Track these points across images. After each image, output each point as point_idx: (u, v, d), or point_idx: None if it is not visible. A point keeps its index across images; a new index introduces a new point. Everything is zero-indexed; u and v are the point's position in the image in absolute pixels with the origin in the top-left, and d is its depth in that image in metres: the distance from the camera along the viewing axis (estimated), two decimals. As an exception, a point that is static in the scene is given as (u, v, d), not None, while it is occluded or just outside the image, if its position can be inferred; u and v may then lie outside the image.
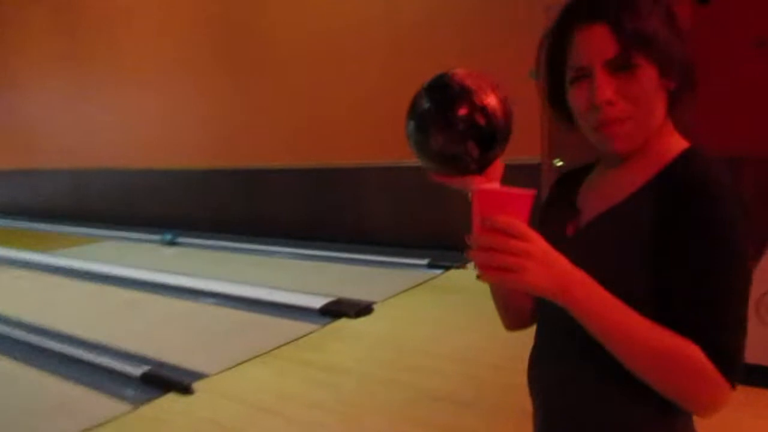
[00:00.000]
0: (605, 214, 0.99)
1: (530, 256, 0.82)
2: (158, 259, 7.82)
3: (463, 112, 1.07)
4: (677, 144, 0.98)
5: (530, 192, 0.85)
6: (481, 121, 1.08)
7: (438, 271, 6.03)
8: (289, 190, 8.54)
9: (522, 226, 0.83)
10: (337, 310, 4.93)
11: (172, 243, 8.69)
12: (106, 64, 10.74)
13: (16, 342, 4.79)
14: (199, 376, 3.85)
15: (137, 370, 3.90)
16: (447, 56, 6.76)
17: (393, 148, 7.62)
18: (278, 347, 4.30)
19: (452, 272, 5.97)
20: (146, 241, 9.14)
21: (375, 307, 5.02)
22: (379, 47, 7.34)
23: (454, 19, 6.78)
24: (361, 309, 4.93)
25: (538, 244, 0.83)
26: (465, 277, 5.73)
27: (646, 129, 0.95)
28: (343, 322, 4.77)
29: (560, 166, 6.00)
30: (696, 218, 0.85)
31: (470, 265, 6.15)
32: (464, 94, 1.08)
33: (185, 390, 3.62)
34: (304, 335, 4.52)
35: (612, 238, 0.96)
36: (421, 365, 3.87)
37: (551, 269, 0.83)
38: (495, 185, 0.95)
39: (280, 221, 8.57)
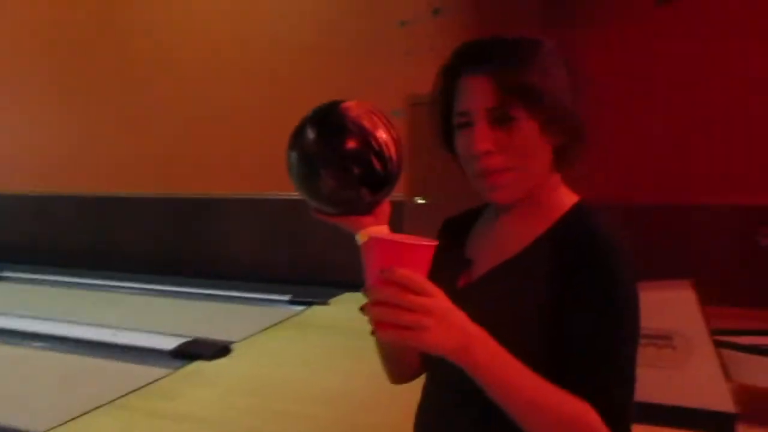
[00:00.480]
0: (500, 267, 0.96)
1: (430, 313, 0.75)
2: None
3: (359, 155, 0.98)
4: (568, 197, 0.98)
5: (431, 243, 0.78)
6: (378, 166, 1.00)
7: (300, 308, 5.85)
8: (140, 220, 7.93)
9: (422, 281, 0.76)
10: (191, 352, 4.56)
11: (-5, 278, 7.67)
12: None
13: None
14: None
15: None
16: (315, 86, 6.73)
17: (255, 179, 7.47)
18: (123, 396, 3.85)
19: (315, 309, 5.81)
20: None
21: (233, 347, 4.72)
22: (241, 75, 7.13)
23: (317, 66, 6.77)
24: (218, 350, 4.60)
25: (440, 301, 0.77)
26: (328, 314, 5.60)
27: (527, 182, 0.94)
28: (198, 365, 4.41)
29: (422, 204, 6.15)
30: (591, 274, 0.84)
31: (333, 301, 6.05)
32: (360, 134, 0.99)
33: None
34: (154, 381, 4.11)
35: (507, 292, 0.93)
36: (287, 410, 3.65)
37: (452, 329, 0.77)
38: (389, 233, 0.87)
39: (129, 254, 7.91)
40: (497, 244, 0.99)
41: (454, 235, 1.09)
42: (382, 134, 1.01)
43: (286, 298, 6.12)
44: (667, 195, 5.30)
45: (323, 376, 4.16)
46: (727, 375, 2.82)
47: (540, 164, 0.94)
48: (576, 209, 0.95)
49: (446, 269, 1.01)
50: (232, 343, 4.77)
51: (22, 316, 5.60)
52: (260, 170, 6.99)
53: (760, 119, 5.44)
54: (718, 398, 2.81)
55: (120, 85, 7.84)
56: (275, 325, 5.32)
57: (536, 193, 0.96)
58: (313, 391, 3.91)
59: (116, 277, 7.33)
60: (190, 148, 7.48)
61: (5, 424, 3.45)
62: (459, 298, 0.83)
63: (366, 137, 0.99)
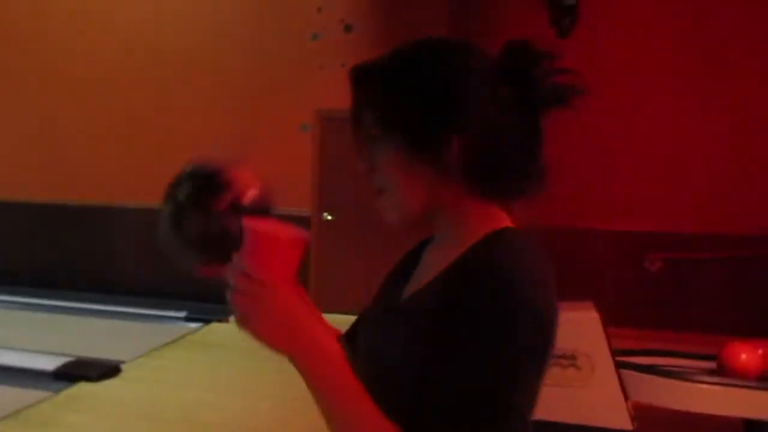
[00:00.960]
0: (412, 294, 0.90)
1: (256, 299, 0.72)
2: None
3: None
4: (489, 225, 0.87)
5: (302, 236, 0.76)
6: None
7: (197, 325, 5.56)
8: (14, 229, 7.25)
9: (258, 268, 0.73)
10: (75, 373, 4.19)
11: None
12: None
13: None
14: None
15: None
16: (218, 95, 6.50)
17: (149, 188, 7.03)
18: (-4, 423, 3.46)
19: (213, 326, 5.54)
20: None
21: (123, 367, 4.38)
22: (144, 75, 6.76)
23: (223, 65, 6.55)
24: (106, 370, 4.26)
25: (272, 291, 0.73)
26: (228, 332, 5.35)
27: (404, 206, 0.87)
28: (83, 387, 4.06)
29: (330, 220, 6.05)
30: (466, 309, 0.76)
31: (233, 318, 5.79)
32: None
33: None
34: (31, 405, 3.72)
35: (401, 323, 0.87)
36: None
37: (280, 328, 0.73)
38: (268, 225, 0.77)
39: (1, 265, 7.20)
40: (418, 272, 0.94)
41: (416, 254, 1.00)
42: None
43: (182, 314, 5.81)
44: (566, 219, 5.55)
45: (223, 399, 3.95)
46: (626, 394, 2.95)
47: (418, 188, 0.85)
48: (487, 238, 0.84)
49: (391, 287, 0.98)
50: (121, 363, 4.43)
51: None
52: (151, 180, 6.62)
53: (646, 151, 5.87)
54: (617, 417, 2.92)
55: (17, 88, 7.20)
56: (170, 343, 5.00)
57: (448, 219, 0.88)
58: (213, 415, 3.68)
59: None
60: (77, 156, 6.97)
61: None
62: (379, 318, 0.84)
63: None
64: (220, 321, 5.60)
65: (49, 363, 4.28)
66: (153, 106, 6.73)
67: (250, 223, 0.75)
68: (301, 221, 6.51)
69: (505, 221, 0.88)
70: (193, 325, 5.57)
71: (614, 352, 3.04)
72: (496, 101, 0.84)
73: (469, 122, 0.83)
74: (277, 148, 6.26)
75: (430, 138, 0.83)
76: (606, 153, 5.87)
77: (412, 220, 0.88)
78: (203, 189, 0.87)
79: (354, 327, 1.06)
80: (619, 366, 3.00)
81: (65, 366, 4.25)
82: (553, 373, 2.95)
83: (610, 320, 3.18)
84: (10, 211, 7.21)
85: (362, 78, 0.89)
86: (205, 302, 5.99)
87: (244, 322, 0.73)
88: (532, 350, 0.77)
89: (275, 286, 0.73)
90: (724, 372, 3.12)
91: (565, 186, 5.86)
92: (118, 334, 5.38)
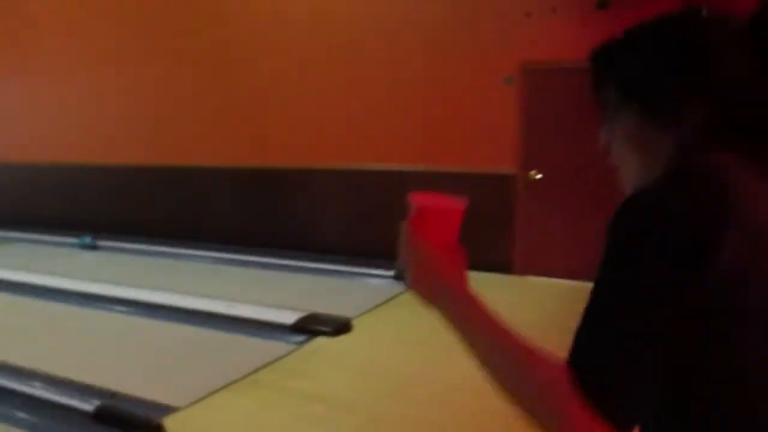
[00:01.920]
0: None
1: (411, 264, 0.88)
2: (78, 265, 6.88)
3: None
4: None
5: (460, 207, 0.88)
6: None
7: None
8: (228, 192, 7.82)
9: (412, 236, 0.88)
10: (311, 328, 4.38)
11: (90, 247, 7.73)
12: (14, 51, 9.51)
13: None
14: (166, 410, 3.19)
15: (87, 405, 3.19)
16: (414, 58, 6.40)
17: (351, 150, 7.23)
18: (254, 372, 3.70)
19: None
20: (59, 244, 8.09)
21: (354, 323, 4.51)
22: (342, 44, 6.85)
23: (425, 21, 6.39)
24: (340, 326, 4.41)
25: (419, 254, 0.87)
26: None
27: (632, 179, 0.90)
28: (321, 342, 4.23)
29: (538, 179, 5.76)
30: (605, 237, 0.75)
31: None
32: None
33: (155, 430, 2.97)
34: (281, 357, 3.95)
35: None
36: (427, 395, 3.42)
37: (423, 280, 0.87)
38: (428, 199, 0.91)
39: (216, 226, 7.83)
40: None
41: None
42: None
43: (390, 273, 5.89)
44: None
45: (454, 358, 3.89)
46: None
47: (636, 159, 0.89)
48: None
49: None
50: (350, 318, 4.57)
51: (128, 286, 5.54)
52: (353, 141, 6.75)
53: None
54: None
55: (208, 54, 7.69)
56: (389, 301, 5.09)
57: None
58: (446, 374, 3.61)
59: (208, 248, 7.26)
60: (286, 122, 7.29)
61: (145, 398, 3.33)
62: None
63: None
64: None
65: (286, 317, 4.50)
66: (353, 68, 6.81)
67: (412, 199, 0.89)
68: (504, 180, 6.37)
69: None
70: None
71: None
72: (737, 65, 0.81)
73: (709, 84, 0.81)
74: (479, 103, 6.06)
75: (670, 100, 0.83)
76: None
77: None
78: None
79: None
80: None
81: (302, 320, 4.45)
82: None
83: None
84: (224, 176, 7.78)
85: (602, 56, 0.93)
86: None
87: (407, 282, 0.88)
88: (640, 277, 0.71)
89: (425, 251, 0.86)
90: None
91: None
92: (337, 292, 5.56)
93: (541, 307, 4.95)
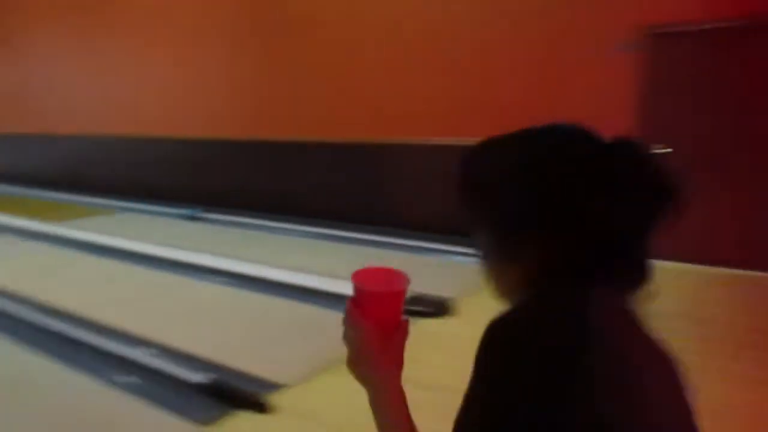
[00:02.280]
0: None
1: (349, 345, 0.93)
2: (184, 235, 7.11)
3: None
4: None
5: (400, 288, 0.90)
6: None
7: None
8: (325, 166, 7.81)
9: (352, 317, 0.91)
10: (412, 308, 4.24)
11: (194, 218, 7.98)
12: (123, 27, 9.91)
13: (38, 331, 4.07)
14: (274, 388, 3.17)
15: (194, 377, 3.22)
16: (517, 23, 6.05)
17: (450, 123, 6.99)
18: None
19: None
20: (164, 214, 8.42)
21: (453, 304, 4.34)
22: (434, 20, 6.59)
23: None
24: (441, 307, 4.26)
25: (356, 338, 0.91)
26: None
27: (496, 289, 0.92)
28: (424, 323, 4.10)
29: (666, 153, 5.30)
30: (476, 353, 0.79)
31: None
32: None
33: (262, 408, 2.95)
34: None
35: None
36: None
37: (357, 364, 0.93)
38: (371, 279, 0.90)
39: (312, 201, 7.86)
40: None
41: None
42: None
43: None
44: None
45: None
46: None
47: (498, 278, 0.93)
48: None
49: None
50: (452, 299, 4.40)
51: (233, 258, 5.64)
52: (452, 114, 6.51)
53: None
54: None
55: (305, 31, 7.64)
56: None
57: None
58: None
59: (305, 222, 7.30)
60: (377, 93, 7.14)
61: (253, 374, 3.32)
62: None
63: None
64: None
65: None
66: (447, 35, 6.55)
67: (354, 278, 0.90)
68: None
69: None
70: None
71: None
72: (589, 198, 0.80)
73: (560, 220, 0.81)
74: (591, 71, 5.64)
75: (517, 235, 0.85)
76: None
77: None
78: None
79: None
80: None
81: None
82: None
83: None
84: (321, 151, 7.77)
85: (470, 164, 0.92)
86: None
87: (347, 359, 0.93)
88: (515, 399, 0.72)
89: (361, 335, 0.91)
90: None
91: None
92: (432, 270, 5.40)
93: (670, 295, 4.59)
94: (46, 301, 4.53)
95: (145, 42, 9.59)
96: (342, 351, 0.93)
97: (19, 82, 12.32)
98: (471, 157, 0.91)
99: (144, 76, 9.72)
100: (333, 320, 3.53)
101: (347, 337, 0.92)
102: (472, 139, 0.93)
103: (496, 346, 0.76)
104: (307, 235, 6.95)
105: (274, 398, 3.03)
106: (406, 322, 0.95)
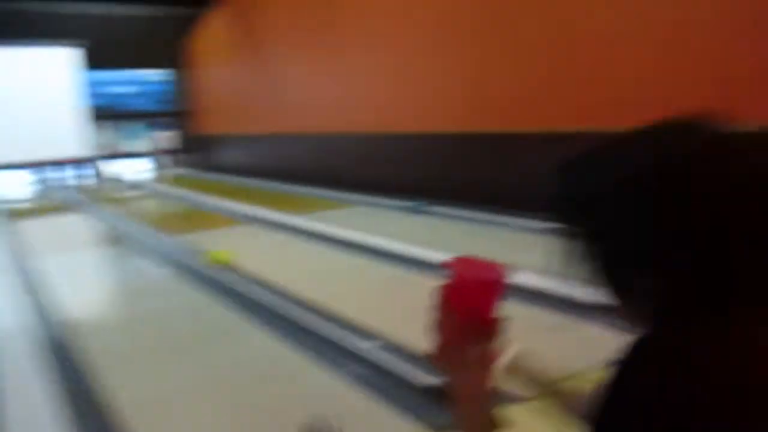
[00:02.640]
0: None
1: (436, 334, 0.89)
2: (411, 229, 7.12)
3: None
4: None
5: (499, 279, 0.85)
6: None
7: None
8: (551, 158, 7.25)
9: (444, 305, 0.87)
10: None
11: (420, 211, 8.00)
12: (356, 27, 10.38)
13: (283, 320, 4.25)
14: (509, 400, 2.84)
15: (424, 378, 3.03)
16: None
17: (650, 108, 5.96)
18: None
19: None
20: (393, 207, 8.58)
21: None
22: None
23: None
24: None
25: (445, 328, 0.87)
26: None
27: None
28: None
29: None
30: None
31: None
32: None
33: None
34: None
35: None
36: None
37: (443, 354, 0.88)
38: (469, 268, 0.87)
39: (531, 194, 7.34)
40: None
41: None
42: None
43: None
44: None
45: None
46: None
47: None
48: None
49: None
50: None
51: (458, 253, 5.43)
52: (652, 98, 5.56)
53: None
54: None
55: (546, 20, 7.15)
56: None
57: None
58: None
59: (528, 215, 6.85)
60: (592, 81, 6.41)
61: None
62: None
63: None
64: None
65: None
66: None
67: (453, 265, 0.87)
68: None
69: None
70: None
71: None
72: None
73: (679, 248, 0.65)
74: None
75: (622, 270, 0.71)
76: None
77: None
78: None
79: None
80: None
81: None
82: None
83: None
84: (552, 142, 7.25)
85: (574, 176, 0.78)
86: None
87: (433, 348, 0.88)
88: None
89: (453, 322, 0.86)
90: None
91: None
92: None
93: None
94: (284, 288, 4.74)
95: (379, 46, 9.91)
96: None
97: (270, 88, 13.69)
98: (577, 168, 0.76)
99: (376, 76, 10.06)
100: (574, 327, 3.09)
101: (437, 326, 0.88)
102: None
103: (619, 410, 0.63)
104: (529, 230, 6.51)
105: (508, 411, 2.71)
106: (503, 319, 0.88)
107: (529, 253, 5.41)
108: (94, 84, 17.02)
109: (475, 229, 6.86)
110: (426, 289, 3.74)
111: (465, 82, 8.26)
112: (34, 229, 9.16)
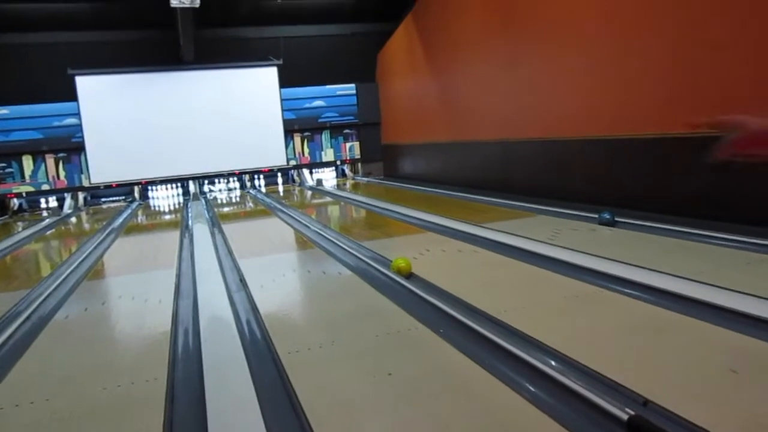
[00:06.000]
0: None
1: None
2: (598, 242, 6.69)
3: None
4: None
5: None
6: None
7: None
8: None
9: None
10: None
11: (609, 223, 7.47)
12: (539, 32, 10.06)
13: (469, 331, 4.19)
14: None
15: (613, 409, 2.77)
16: None
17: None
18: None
19: None
20: (578, 218, 8.13)
21: None
22: None
23: None
24: None
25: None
26: None
27: None
28: None
29: None
30: None
31: None
32: None
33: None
34: None
35: None
36: None
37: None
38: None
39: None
40: None
41: None
42: None
43: None
44: None
45: None
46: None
47: None
48: None
49: None
50: None
51: (659, 272, 4.96)
52: None
53: None
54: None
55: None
56: None
57: None
58: None
59: (740, 231, 6.07)
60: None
61: (679, 414, 2.72)
62: None
63: None
64: None
65: None
66: None
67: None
68: None
69: None
70: None
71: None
72: None
73: None
74: None
75: None
76: None
77: None
78: None
79: None
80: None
81: None
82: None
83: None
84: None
85: None
86: None
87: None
88: None
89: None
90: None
91: None
92: None
93: None
94: (474, 304, 4.66)
95: (564, 50, 9.52)
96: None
97: (454, 100, 13.83)
98: None
99: (556, 82, 9.67)
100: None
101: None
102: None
103: None
104: (742, 246, 5.75)
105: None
106: None
107: (740, 273, 4.83)
108: (288, 99, 18.71)
109: (677, 244, 6.23)
110: (618, 308, 3.43)
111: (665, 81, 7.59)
112: (237, 231, 10.15)
